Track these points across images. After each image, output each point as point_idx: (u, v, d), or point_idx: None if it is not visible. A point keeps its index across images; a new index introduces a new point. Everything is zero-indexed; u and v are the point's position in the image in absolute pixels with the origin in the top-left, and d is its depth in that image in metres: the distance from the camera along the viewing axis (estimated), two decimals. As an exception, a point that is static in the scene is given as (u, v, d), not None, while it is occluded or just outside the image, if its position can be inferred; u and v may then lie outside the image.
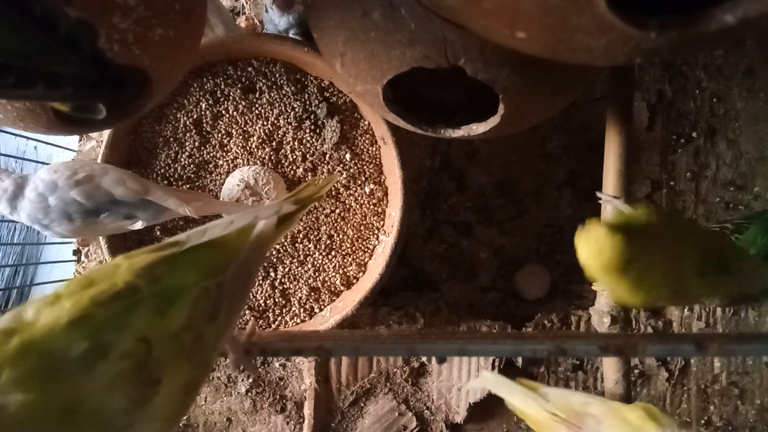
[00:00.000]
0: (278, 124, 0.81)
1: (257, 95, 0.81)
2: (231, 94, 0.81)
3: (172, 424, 0.38)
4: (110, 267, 0.38)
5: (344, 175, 0.82)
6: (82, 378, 0.32)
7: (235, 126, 0.82)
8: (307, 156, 0.82)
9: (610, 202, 0.64)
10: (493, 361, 0.88)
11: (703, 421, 0.93)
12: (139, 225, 0.70)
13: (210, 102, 0.81)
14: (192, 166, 0.82)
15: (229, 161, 0.82)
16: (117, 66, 0.45)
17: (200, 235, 0.41)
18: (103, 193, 0.67)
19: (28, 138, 0.97)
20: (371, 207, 0.83)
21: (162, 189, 0.71)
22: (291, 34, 0.80)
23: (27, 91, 0.38)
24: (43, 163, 0.92)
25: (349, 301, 0.80)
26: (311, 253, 0.83)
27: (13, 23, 0.35)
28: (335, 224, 0.83)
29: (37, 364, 0.31)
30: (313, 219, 0.83)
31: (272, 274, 0.83)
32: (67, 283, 0.36)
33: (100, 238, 0.78)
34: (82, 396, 0.32)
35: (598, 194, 0.64)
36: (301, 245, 0.83)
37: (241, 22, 0.97)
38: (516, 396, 0.64)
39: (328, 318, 0.81)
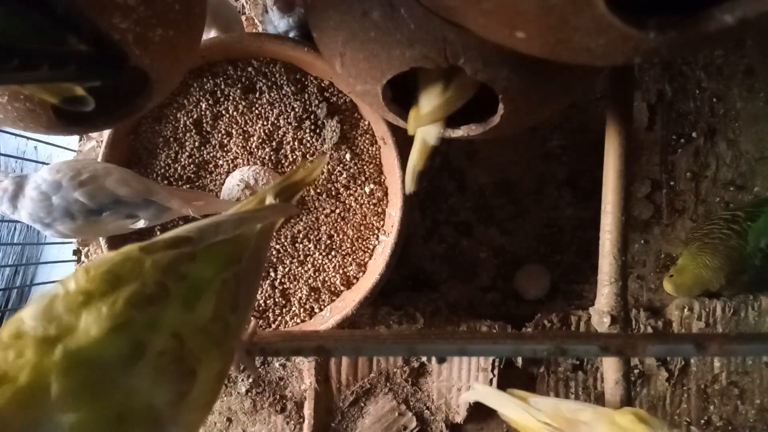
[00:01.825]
0: (278, 124, 0.81)
1: (257, 95, 0.81)
2: (231, 94, 0.81)
3: (208, 411, 0.40)
4: (132, 262, 0.38)
5: (344, 175, 0.82)
6: (126, 379, 0.33)
7: (235, 126, 0.82)
8: (307, 156, 0.82)
9: None
10: (493, 361, 0.88)
11: (702, 421, 0.93)
12: (140, 224, 0.71)
13: (210, 102, 0.81)
14: (192, 166, 0.82)
15: (229, 161, 0.82)
16: (115, 43, 0.45)
17: (213, 234, 0.42)
18: (106, 193, 0.67)
19: (28, 138, 0.97)
20: (371, 207, 0.83)
21: (165, 189, 0.71)
22: (290, 36, 0.80)
23: (32, 72, 0.38)
24: (43, 163, 0.93)
25: (349, 301, 0.80)
26: (311, 253, 0.83)
27: (10, 5, 0.35)
28: (335, 224, 0.83)
29: (85, 376, 0.32)
30: (313, 219, 0.83)
31: (272, 274, 0.83)
32: (90, 278, 0.36)
33: (101, 238, 0.78)
34: (127, 400, 0.33)
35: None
36: (301, 245, 0.83)
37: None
38: (508, 407, 0.64)
39: (328, 318, 0.81)
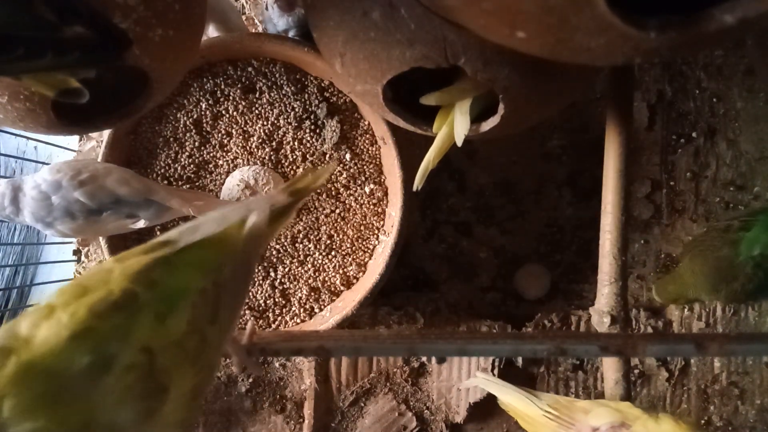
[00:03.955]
0: (278, 124, 0.81)
1: (257, 95, 0.81)
2: (231, 94, 0.81)
3: (182, 429, 0.38)
4: (102, 272, 0.36)
5: (344, 175, 0.82)
6: (89, 394, 0.31)
7: (235, 126, 0.82)
8: (307, 156, 0.82)
9: None
10: (493, 361, 0.88)
11: (703, 421, 0.93)
12: (140, 224, 0.71)
13: (210, 102, 0.81)
14: (192, 166, 0.82)
15: (229, 161, 0.82)
16: (115, 25, 0.44)
17: (192, 233, 0.39)
18: (106, 193, 0.67)
19: (28, 138, 0.97)
20: (371, 207, 0.83)
21: (165, 189, 0.71)
22: (290, 35, 0.80)
23: (37, 61, 0.38)
24: (43, 163, 0.92)
25: (349, 301, 0.80)
26: (311, 253, 0.83)
27: None
28: (335, 224, 0.83)
29: (41, 387, 0.30)
30: (313, 219, 0.83)
31: (272, 274, 0.83)
32: (58, 292, 0.35)
33: (101, 238, 0.78)
34: (92, 413, 0.31)
35: None
36: (301, 245, 0.83)
37: (241, 22, 0.97)
38: (509, 395, 0.65)
39: (328, 318, 0.81)
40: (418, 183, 0.63)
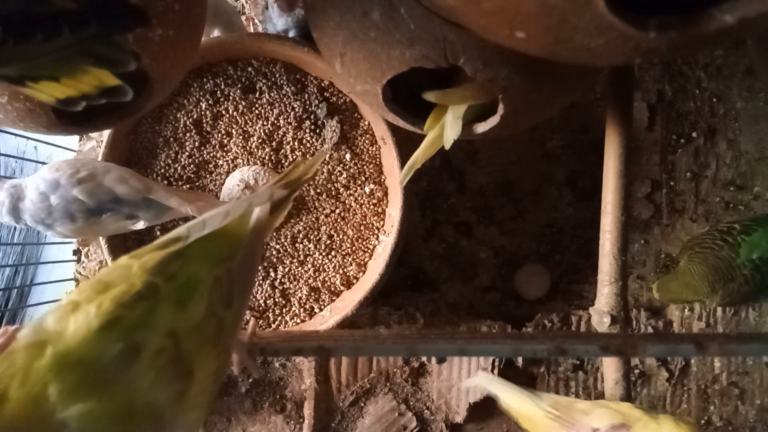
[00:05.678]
0: (278, 124, 0.82)
1: (257, 95, 0.81)
2: (231, 94, 0.81)
3: (206, 410, 0.40)
4: (121, 269, 0.39)
5: (344, 175, 0.82)
6: (125, 378, 0.33)
7: (235, 126, 0.82)
8: (307, 156, 0.82)
9: None
10: (493, 361, 0.88)
11: (703, 421, 0.93)
12: (140, 225, 0.71)
13: (210, 102, 0.81)
14: (192, 166, 0.82)
15: (229, 161, 0.82)
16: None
17: (200, 228, 0.42)
18: (105, 191, 0.67)
19: (28, 138, 0.97)
20: (371, 207, 0.83)
21: (164, 188, 0.71)
22: (290, 35, 0.80)
23: (56, 40, 0.38)
24: (43, 163, 0.92)
25: (349, 301, 0.80)
26: (311, 253, 0.83)
27: None
28: (335, 224, 0.83)
29: (81, 373, 0.32)
30: (313, 219, 0.83)
31: (272, 274, 0.83)
32: (79, 290, 0.37)
33: (101, 238, 0.78)
34: (131, 396, 0.33)
35: None
36: (301, 245, 0.83)
37: (241, 22, 0.97)
38: (510, 394, 0.65)
39: (328, 318, 0.81)
40: (402, 180, 0.65)
